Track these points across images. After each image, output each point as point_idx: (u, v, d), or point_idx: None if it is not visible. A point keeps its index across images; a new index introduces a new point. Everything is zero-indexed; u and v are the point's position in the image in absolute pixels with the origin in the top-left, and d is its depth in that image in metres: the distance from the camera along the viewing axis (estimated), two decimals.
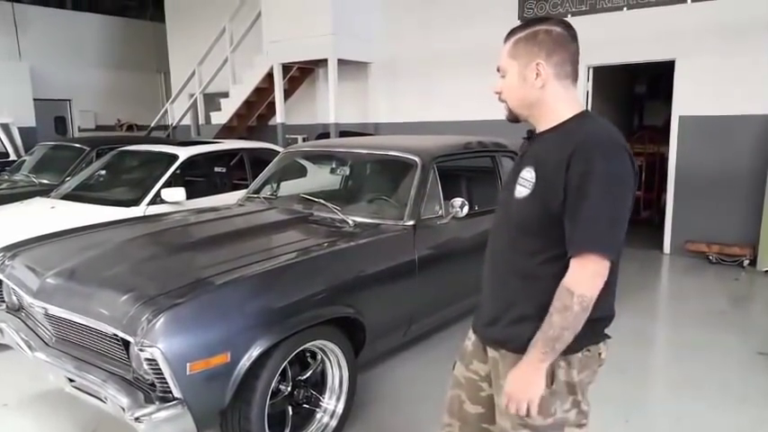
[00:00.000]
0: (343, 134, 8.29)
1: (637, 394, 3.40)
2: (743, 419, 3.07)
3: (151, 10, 15.25)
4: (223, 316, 2.31)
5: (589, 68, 7.04)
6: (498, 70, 1.61)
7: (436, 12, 8.07)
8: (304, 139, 9.22)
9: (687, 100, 6.39)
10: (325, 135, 8.65)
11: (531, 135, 1.64)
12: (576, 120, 1.54)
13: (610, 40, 6.68)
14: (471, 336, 1.80)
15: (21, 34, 12.95)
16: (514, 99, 1.59)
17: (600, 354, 1.58)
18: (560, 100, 1.55)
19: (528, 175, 1.54)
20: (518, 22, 7.14)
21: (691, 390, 3.43)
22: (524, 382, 1.49)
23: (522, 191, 1.55)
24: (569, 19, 6.83)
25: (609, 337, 1.63)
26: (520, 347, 1.54)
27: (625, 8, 6.60)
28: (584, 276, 1.42)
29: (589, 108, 7.12)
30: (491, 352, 1.68)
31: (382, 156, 3.91)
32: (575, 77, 1.57)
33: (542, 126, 1.58)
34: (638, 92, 9.67)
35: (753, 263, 5.94)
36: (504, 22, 7.24)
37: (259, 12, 8.84)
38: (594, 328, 1.52)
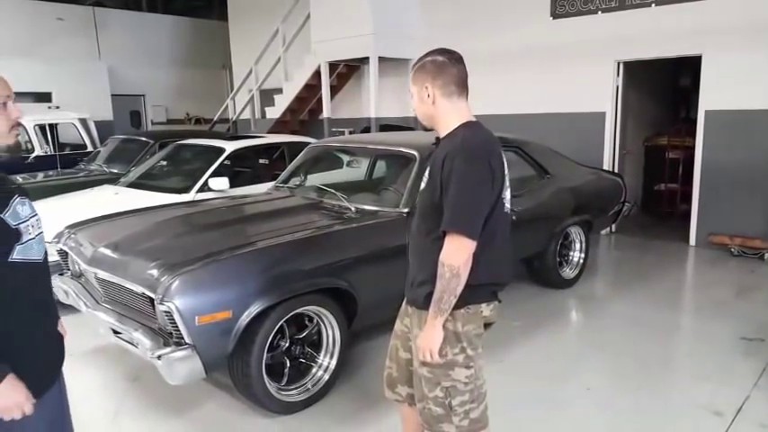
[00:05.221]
0: (384, 128, 8.75)
1: (607, 368, 3.71)
2: (699, 395, 3.32)
3: (218, 9, 16.25)
4: (227, 280, 2.87)
5: (618, 63, 7.16)
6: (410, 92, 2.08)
7: (470, 10, 8.33)
8: (350, 133, 9.75)
9: (713, 95, 6.43)
10: (369, 129, 9.15)
11: (437, 141, 2.09)
12: (459, 129, 1.98)
13: (638, 36, 6.81)
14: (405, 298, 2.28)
15: (101, 36, 14.23)
16: (419, 114, 2.08)
17: (481, 312, 2.02)
18: (449, 112, 2.00)
19: (426, 172, 2.03)
20: (550, 20, 7.47)
21: (660, 367, 3.71)
22: (427, 335, 1.96)
23: (422, 185, 2.05)
24: (599, 15, 7.12)
25: (498, 301, 2.07)
26: (420, 305, 2.04)
27: (653, 4, 6.69)
28: (451, 250, 1.87)
29: (619, 101, 7.29)
30: (409, 309, 2.16)
31: (386, 150, 4.39)
32: (460, 93, 2.00)
33: (441, 133, 2.04)
34: (682, 84, 9.55)
35: None
36: (538, 19, 7.54)
37: (308, 14, 9.43)
38: (475, 292, 1.95)
